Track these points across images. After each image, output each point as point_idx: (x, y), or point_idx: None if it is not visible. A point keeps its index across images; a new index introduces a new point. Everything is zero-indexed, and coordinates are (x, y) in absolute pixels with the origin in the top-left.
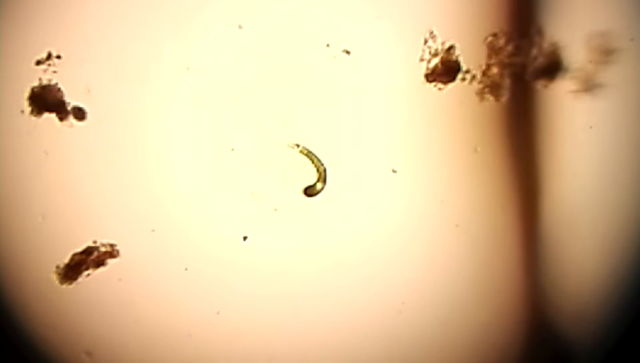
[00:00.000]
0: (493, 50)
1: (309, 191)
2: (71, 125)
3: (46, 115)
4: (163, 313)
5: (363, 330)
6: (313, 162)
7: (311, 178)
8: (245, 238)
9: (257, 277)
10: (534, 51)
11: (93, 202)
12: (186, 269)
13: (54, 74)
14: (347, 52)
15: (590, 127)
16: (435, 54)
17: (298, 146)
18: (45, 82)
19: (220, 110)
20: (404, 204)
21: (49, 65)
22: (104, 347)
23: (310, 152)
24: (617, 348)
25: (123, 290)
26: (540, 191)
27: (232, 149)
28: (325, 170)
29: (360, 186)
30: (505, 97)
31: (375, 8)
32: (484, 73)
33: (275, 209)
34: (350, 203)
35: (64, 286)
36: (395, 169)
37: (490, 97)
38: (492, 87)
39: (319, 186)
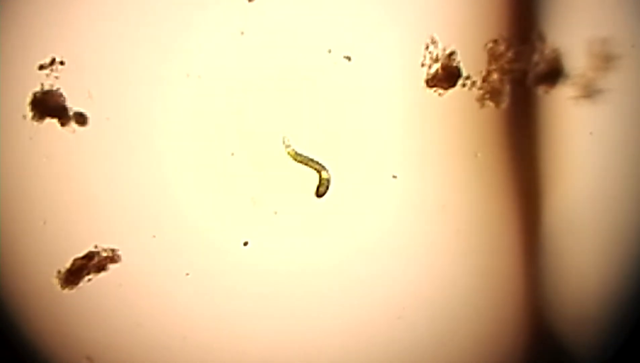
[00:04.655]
0: (493, 56)
1: (320, 191)
2: (73, 130)
3: (48, 120)
4: (164, 318)
5: (363, 335)
6: (306, 163)
7: (312, 180)
8: (245, 243)
9: (257, 283)
10: (535, 57)
11: (94, 207)
12: (187, 274)
13: (56, 80)
14: (349, 58)
15: (591, 133)
16: (436, 60)
17: (289, 146)
18: (47, 87)
19: (220, 115)
20: (405, 209)
21: (52, 70)
22: (104, 351)
23: (298, 154)
24: (618, 354)
25: (124, 295)
26: (541, 197)
27: (232, 154)
28: (320, 163)
29: (361, 192)
30: (505, 103)
31: (376, 14)
32: (484, 79)
33: (276, 213)
34: (351, 208)
35: (65, 291)
36: (395, 175)
37: (490, 103)
38: (492, 93)
39: (324, 174)
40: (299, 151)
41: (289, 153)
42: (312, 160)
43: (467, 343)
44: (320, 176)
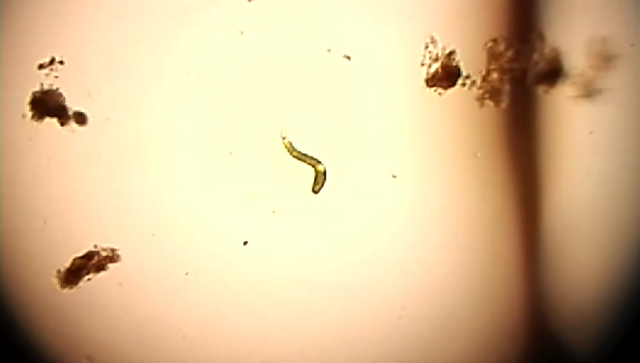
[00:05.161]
0: (493, 55)
1: (316, 186)
2: (72, 130)
3: (47, 120)
4: (163, 317)
5: (363, 335)
6: (301, 158)
7: (311, 179)
8: (245, 242)
9: (257, 282)
10: (535, 56)
11: (94, 206)
12: (186, 274)
13: (55, 79)
14: (348, 58)
15: (591, 132)
16: (436, 59)
17: (285, 138)
18: (46, 87)
19: (219, 114)
20: (404, 209)
21: (51, 70)
22: (104, 351)
23: (295, 148)
24: (617, 353)
25: (124, 295)
26: (541, 196)
27: (231, 153)
28: (314, 158)
29: (360, 191)
30: (505, 103)
31: (376, 13)
32: (484, 78)
33: (274, 212)
34: (350, 208)
35: (65, 290)
36: (395, 174)
37: (490, 103)
38: (492, 93)
39: (319, 167)
40: (295, 146)
41: (285, 145)
42: (307, 155)
43: (467, 343)
44: (315, 170)
